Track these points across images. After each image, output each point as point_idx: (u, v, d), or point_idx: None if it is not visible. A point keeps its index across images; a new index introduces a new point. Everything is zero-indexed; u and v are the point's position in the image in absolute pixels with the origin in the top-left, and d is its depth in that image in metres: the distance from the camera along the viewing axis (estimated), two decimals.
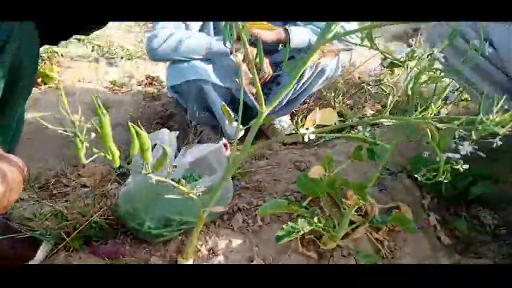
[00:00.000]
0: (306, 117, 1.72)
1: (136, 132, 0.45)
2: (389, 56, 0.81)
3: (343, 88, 1.66)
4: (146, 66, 2.18)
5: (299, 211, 1.02)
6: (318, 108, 0.66)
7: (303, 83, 1.48)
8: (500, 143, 0.75)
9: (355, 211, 1.11)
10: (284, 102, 1.56)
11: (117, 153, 0.45)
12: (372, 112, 1.58)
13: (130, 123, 0.45)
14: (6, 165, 0.70)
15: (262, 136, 1.70)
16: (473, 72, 1.06)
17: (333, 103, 1.65)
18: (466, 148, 0.76)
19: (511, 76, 1.04)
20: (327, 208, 1.10)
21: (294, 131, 1.67)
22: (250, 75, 0.65)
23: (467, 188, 1.23)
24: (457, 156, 0.79)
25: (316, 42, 0.62)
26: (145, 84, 2.06)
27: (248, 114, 1.41)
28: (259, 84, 0.67)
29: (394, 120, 0.66)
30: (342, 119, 1.62)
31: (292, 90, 1.53)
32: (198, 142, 1.45)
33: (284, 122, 1.74)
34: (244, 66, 1.11)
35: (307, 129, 0.66)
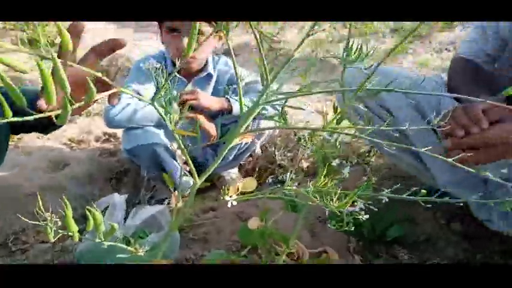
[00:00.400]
0: (252, 168, 1.89)
1: (91, 212, 0.60)
2: (300, 134, 1.01)
3: (281, 143, 1.87)
4: (103, 123, 2.31)
5: (237, 260, 1.18)
6: (242, 179, 0.84)
7: (245, 143, 1.67)
8: (387, 199, 0.96)
9: (289, 256, 1.28)
10: (231, 157, 1.74)
11: (76, 230, 0.60)
12: (307, 164, 1.78)
13: (87, 207, 0.60)
14: None
15: (213, 187, 1.87)
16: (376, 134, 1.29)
17: (273, 156, 1.85)
18: (360, 205, 0.96)
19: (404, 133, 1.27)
20: (263, 255, 1.27)
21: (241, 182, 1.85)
22: (184, 158, 0.82)
23: (384, 231, 1.44)
24: (357, 209, 0.99)
25: (235, 133, 0.80)
26: (103, 140, 2.20)
27: (201, 167, 1.59)
28: (191, 164, 0.84)
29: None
30: (282, 170, 1.82)
31: (238, 147, 1.73)
32: (151, 197, 1.59)
33: (233, 174, 1.92)
34: (179, 152, 1.31)
35: (230, 196, 0.84)
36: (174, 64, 1.61)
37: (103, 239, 0.67)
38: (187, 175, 1.00)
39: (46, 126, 0.94)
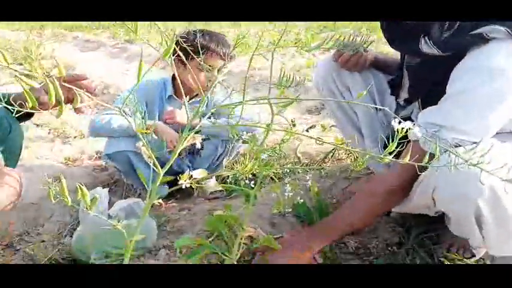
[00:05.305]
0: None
1: (81, 190, 0.87)
2: None
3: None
4: (97, 143, 2.58)
5: (203, 242, 1.44)
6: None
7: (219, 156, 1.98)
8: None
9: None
10: (205, 167, 2.02)
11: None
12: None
13: (77, 184, 0.86)
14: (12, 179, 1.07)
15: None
16: None
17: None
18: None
19: None
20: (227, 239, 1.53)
21: (218, 189, 2.13)
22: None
23: None
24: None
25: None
26: (95, 158, 2.48)
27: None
28: (155, 159, 1.11)
29: None
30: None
31: (211, 160, 2.01)
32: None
33: (210, 182, 2.19)
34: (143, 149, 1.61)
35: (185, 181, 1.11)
36: (174, 89, 1.91)
37: (88, 208, 0.94)
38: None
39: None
